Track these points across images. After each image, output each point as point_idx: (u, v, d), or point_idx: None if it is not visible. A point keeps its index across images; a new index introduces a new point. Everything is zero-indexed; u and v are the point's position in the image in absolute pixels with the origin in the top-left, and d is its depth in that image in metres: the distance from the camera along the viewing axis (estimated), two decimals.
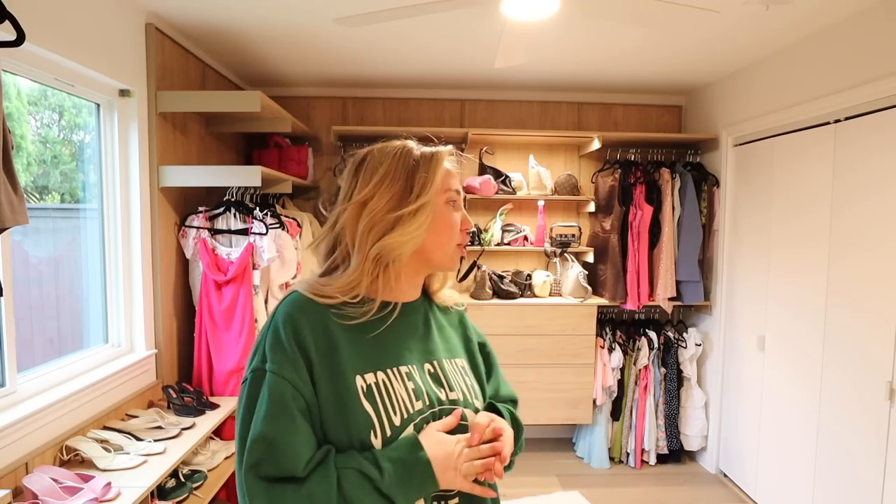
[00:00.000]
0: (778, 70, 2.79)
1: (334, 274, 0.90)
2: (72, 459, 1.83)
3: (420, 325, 0.96)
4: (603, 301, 3.41)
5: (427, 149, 0.93)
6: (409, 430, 0.85)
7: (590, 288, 3.46)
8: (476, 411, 0.94)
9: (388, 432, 0.83)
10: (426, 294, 1.02)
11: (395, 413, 0.84)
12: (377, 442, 0.82)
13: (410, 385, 0.88)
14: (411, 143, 0.93)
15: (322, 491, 0.76)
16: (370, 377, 0.85)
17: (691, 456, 3.59)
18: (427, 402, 0.88)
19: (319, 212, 2.88)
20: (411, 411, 0.86)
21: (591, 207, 3.62)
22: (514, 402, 1.10)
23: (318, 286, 0.88)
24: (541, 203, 3.56)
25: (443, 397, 0.91)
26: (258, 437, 0.77)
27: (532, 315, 3.36)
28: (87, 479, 1.68)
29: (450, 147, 0.96)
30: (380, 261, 0.87)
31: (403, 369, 0.89)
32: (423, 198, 0.88)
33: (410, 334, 0.93)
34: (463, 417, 0.89)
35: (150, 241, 2.41)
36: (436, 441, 0.84)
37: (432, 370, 0.93)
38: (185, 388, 2.43)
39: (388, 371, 0.87)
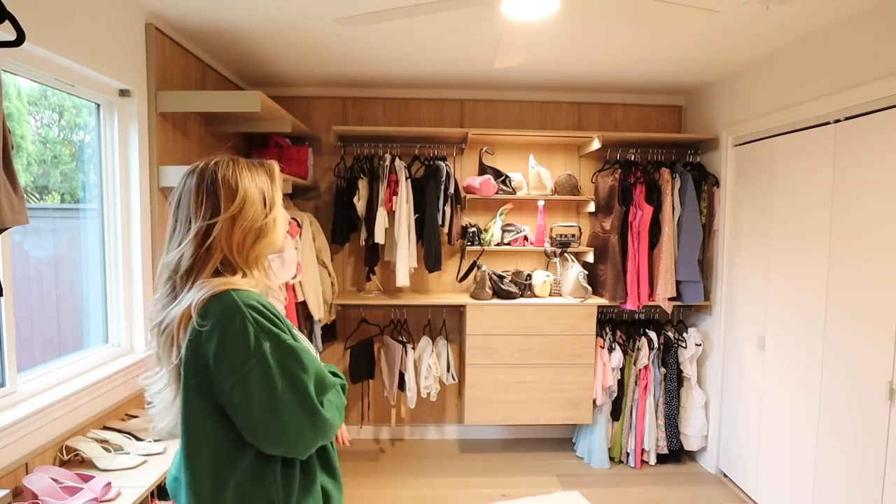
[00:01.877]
0: (778, 70, 2.79)
1: (227, 277, 1.06)
2: (72, 459, 1.83)
3: None
4: (603, 301, 3.41)
5: (260, 164, 1.14)
6: None
7: (590, 288, 3.46)
8: None
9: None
10: None
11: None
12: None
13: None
14: (245, 160, 1.12)
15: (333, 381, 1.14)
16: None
17: (691, 456, 3.59)
18: None
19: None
20: None
21: (591, 207, 3.62)
22: None
23: (246, 286, 1.06)
24: (541, 203, 3.56)
25: None
26: (311, 378, 1.04)
27: (532, 315, 3.36)
28: (87, 479, 1.68)
29: (275, 161, 1.18)
30: (258, 261, 1.11)
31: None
32: (275, 209, 1.13)
33: None
34: None
35: (150, 241, 2.41)
36: None
37: None
38: None
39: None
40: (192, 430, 1.01)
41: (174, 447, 1.97)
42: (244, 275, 1.07)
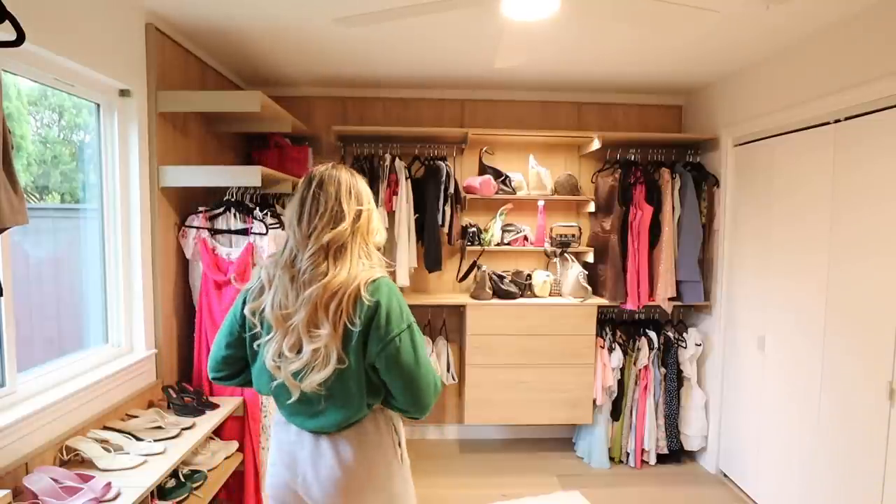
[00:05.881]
0: (778, 70, 2.79)
1: (372, 267, 1.32)
2: (72, 459, 1.83)
3: None
4: (603, 301, 3.41)
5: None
6: None
7: (590, 288, 3.46)
8: None
9: None
10: None
11: None
12: None
13: None
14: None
15: None
16: None
17: (691, 456, 3.59)
18: None
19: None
20: None
21: (591, 207, 3.62)
22: None
23: (382, 274, 1.32)
24: (541, 203, 3.56)
25: None
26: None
27: (532, 315, 3.36)
28: (87, 479, 1.68)
29: None
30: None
31: None
32: (376, 218, 1.40)
33: None
34: None
35: (150, 242, 2.41)
36: None
37: None
38: (184, 388, 2.44)
39: None
40: (347, 382, 1.25)
41: (174, 447, 1.97)
42: (370, 260, 1.33)
